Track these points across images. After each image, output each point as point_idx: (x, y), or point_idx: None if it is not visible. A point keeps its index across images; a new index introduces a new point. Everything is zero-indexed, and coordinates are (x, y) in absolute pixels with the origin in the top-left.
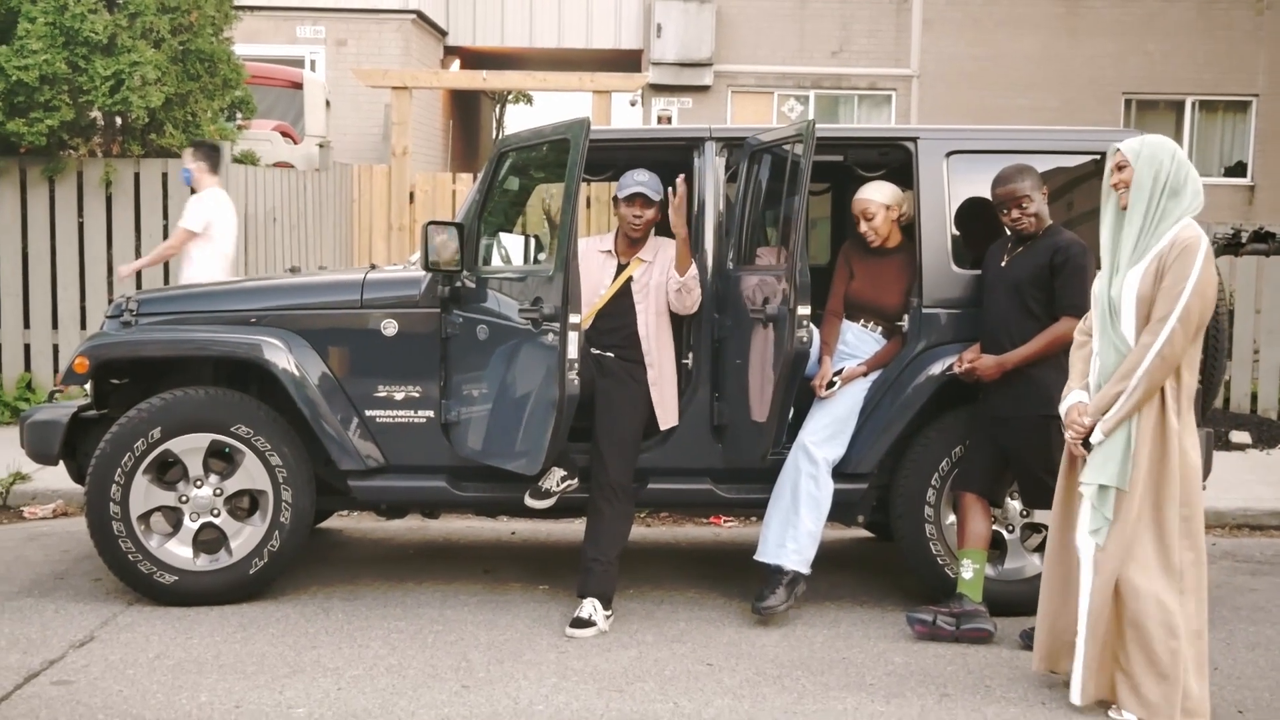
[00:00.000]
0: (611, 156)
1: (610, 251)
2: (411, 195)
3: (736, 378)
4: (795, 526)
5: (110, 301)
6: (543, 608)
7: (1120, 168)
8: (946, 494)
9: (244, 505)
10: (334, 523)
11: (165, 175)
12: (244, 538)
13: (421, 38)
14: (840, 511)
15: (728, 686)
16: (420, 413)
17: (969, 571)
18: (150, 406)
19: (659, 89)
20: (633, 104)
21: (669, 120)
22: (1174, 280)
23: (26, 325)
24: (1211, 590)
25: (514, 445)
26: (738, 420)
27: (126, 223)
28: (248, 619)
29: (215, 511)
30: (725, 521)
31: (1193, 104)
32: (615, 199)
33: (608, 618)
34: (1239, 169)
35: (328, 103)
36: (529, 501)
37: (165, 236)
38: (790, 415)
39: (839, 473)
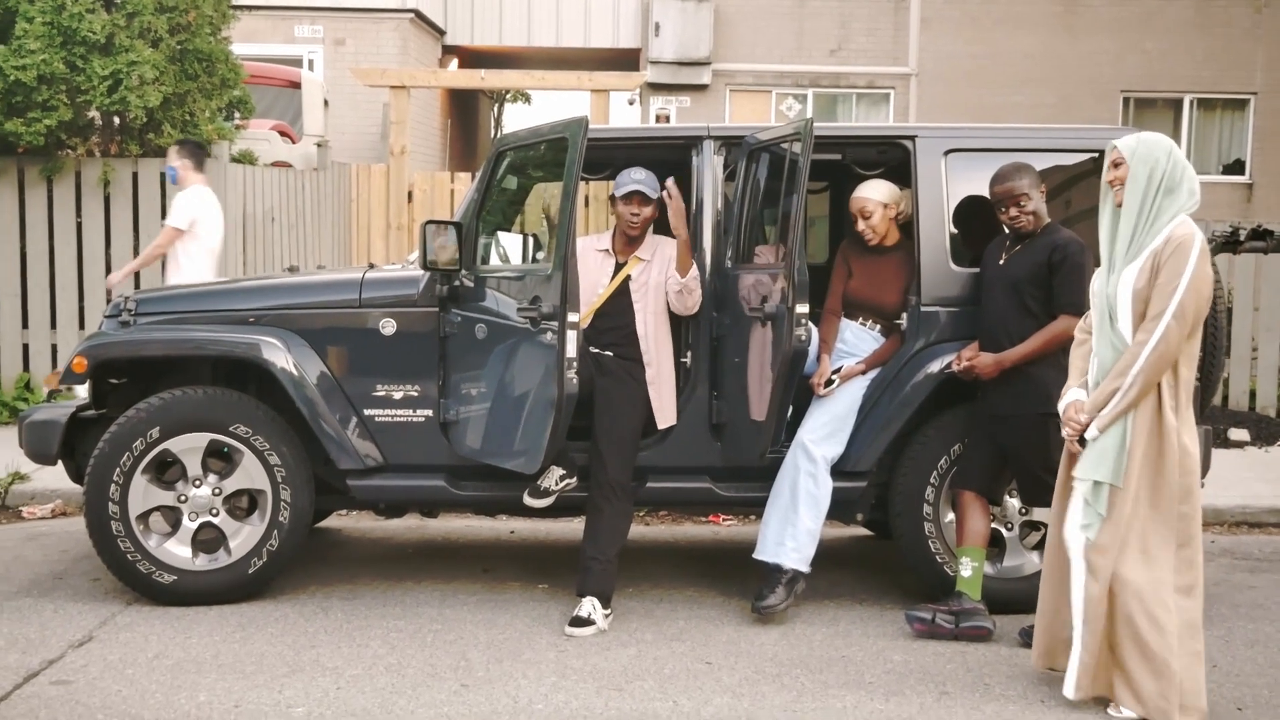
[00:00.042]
0: (610, 155)
1: (608, 250)
2: (410, 194)
3: (735, 376)
4: (794, 525)
5: (108, 301)
6: (542, 606)
7: (1116, 165)
8: (945, 492)
9: (243, 505)
10: (333, 522)
11: (164, 175)
12: (243, 537)
13: (419, 37)
14: (839, 510)
15: (727, 685)
16: (419, 412)
17: (968, 569)
18: (149, 406)
19: (657, 88)
20: (631, 103)
21: (667, 119)
22: (1169, 277)
23: (25, 325)
24: (1210, 588)
25: (513, 444)
26: (736, 419)
27: (125, 223)
28: (247, 618)
29: (214, 511)
30: (724, 520)
31: (1191, 102)
32: (613, 197)
33: (607, 616)
34: (1237, 167)
35: (326, 102)
36: (528, 500)
37: None
38: (789, 413)
39: (838, 471)
